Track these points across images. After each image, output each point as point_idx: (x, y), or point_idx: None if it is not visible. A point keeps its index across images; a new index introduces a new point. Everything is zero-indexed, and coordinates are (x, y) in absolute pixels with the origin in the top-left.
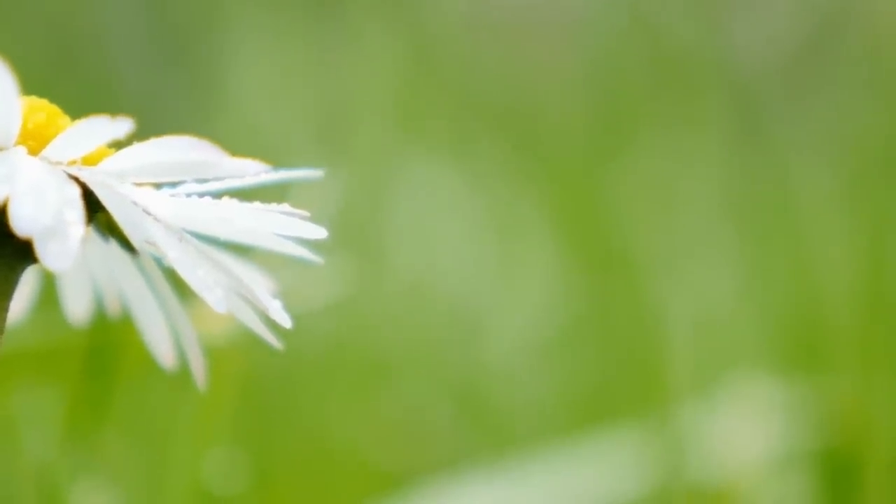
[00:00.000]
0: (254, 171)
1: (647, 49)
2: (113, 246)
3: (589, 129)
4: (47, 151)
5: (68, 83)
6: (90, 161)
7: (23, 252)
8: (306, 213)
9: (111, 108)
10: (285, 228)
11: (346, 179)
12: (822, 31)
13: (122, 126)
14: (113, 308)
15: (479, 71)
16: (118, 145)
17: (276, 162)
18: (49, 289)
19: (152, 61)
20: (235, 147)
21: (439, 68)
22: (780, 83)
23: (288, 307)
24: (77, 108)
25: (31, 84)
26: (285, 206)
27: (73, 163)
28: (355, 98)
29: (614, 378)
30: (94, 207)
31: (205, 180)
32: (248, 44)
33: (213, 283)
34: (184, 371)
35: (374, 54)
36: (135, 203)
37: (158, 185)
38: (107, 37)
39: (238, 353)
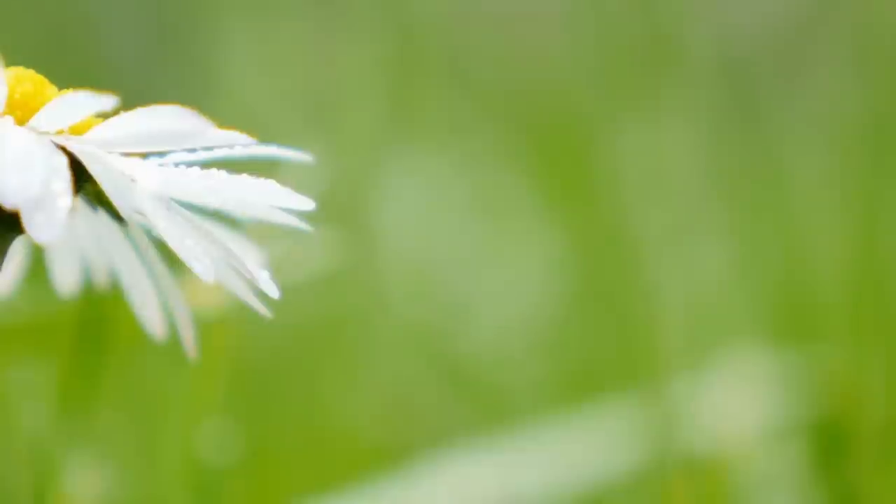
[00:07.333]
0: (240, 142)
1: (640, 28)
2: (102, 216)
3: (580, 110)
4: (34, 121)
5: (60, 65)
6: (78, 131)
7: (10, 224)
8: (292, 188)
9: (103, 88)
10: (274, 198)
11: (337, 161)
12: (816, 9)
13: (109, 100)
14: (101, 280)
15: (469, 53)
16: (106, 118)
17: (268, 143)
18: (38, 261)
19: (144, 45)
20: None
21: (430, 51)
22: (773, 61)
23: (278, 281)
24: (68, 88)
25: (22, 66)
26: (271, 182)
27: (61, 132)
28: (347, 81)
29: (607, 353)
30: (82, 177)
31: (193, 150)
32: (241, 27)
33: (201, 252)
34: (176, 344)
35: (366, 37)
36: (123, 172)
37: (146, 155)
38: (99, 18)
39: (230, 327)
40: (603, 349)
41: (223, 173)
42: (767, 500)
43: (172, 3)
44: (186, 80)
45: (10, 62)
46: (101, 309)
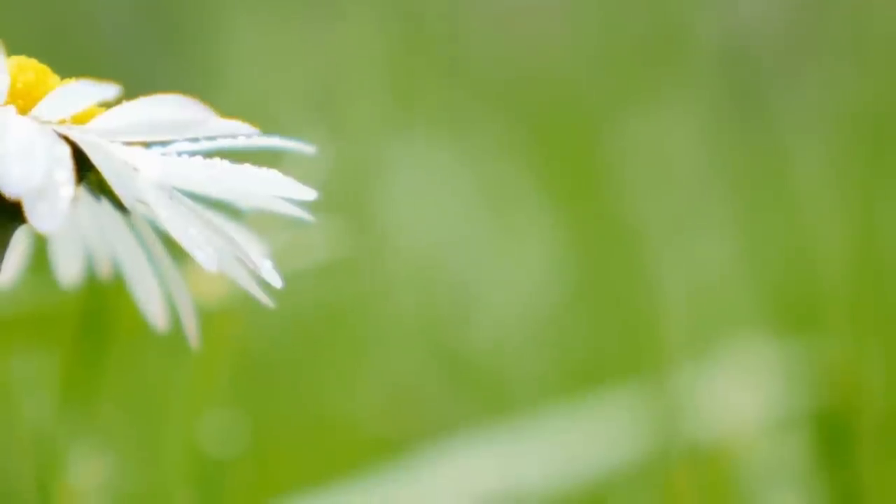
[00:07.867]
0: (243, 132)
1: (643, 21)
2: (104, 206)
3: (583, 102)
4: (37, 111)
5: (62, 54)
6: (80, 120)
7: (12, 213)
8: (294, 177)
9: (105, 78)
10: (276, 188)
11: (340, 153)
12: (817, 2)
13: (111, 89)
14: (104, 270)
15: (473, 44)
16: (108, 107)
17: (271, 133)
18: (40, 251)
19: (145, 39)
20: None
21: (432, 42)
22: (775, 54)
23: (281, 271)
24: (70, 77)
25: (24, 55)
26: (274, 171)
27: (63, 122)
28: (349, 73)
29: (610, 344)
30: (84, 167)
31: (196, 140)
32: (242, 20)
33: (203, 242)
34: (179, 334)
35: (368, 29)
36: (125, 162)
37: (148, 144)
38: (101, 8)
39: (233, 317)
40: (606, 340)
41: (226, 163)
42: (770, 491)
43: None
44: (189, 70)
45: (12, 51)
46: (103, 299)
